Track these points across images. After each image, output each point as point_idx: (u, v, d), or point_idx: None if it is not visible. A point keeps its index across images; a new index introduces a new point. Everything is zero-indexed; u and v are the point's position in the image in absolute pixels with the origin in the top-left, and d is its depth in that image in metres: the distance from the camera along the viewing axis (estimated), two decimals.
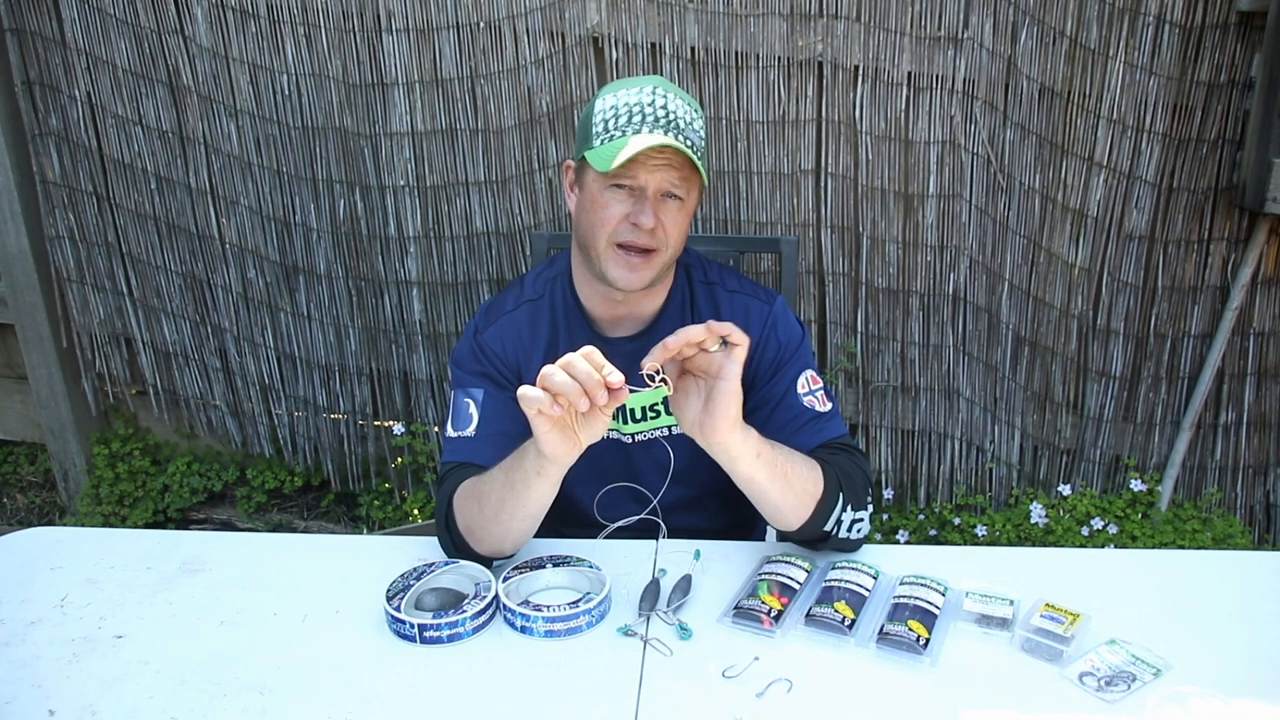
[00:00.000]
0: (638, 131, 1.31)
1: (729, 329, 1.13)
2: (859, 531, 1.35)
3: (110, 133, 2.56)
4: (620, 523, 1.39)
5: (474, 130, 2.40)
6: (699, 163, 1.32)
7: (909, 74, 2.24)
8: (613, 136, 1.33)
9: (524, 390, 1.11)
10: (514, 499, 1.24)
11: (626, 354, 1.46)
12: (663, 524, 1.38)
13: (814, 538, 1.33)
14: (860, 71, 2.25)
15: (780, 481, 1.26)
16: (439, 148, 2.42)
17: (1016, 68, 2.22)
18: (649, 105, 1.33)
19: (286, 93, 2.43)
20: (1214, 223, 2.30)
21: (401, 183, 2.46)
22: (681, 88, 2.27)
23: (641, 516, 1.40)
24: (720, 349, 1.15)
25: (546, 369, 1.10)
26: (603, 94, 1.39)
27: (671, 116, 1.33)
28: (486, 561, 1.33)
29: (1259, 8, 2.08)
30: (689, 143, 1.32)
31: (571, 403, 1.09)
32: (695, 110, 1.38)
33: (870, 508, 1.37)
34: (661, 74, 2.29)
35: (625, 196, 1.35)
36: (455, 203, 2.47)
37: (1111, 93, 2.20)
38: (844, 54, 2.23)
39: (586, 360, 1.09)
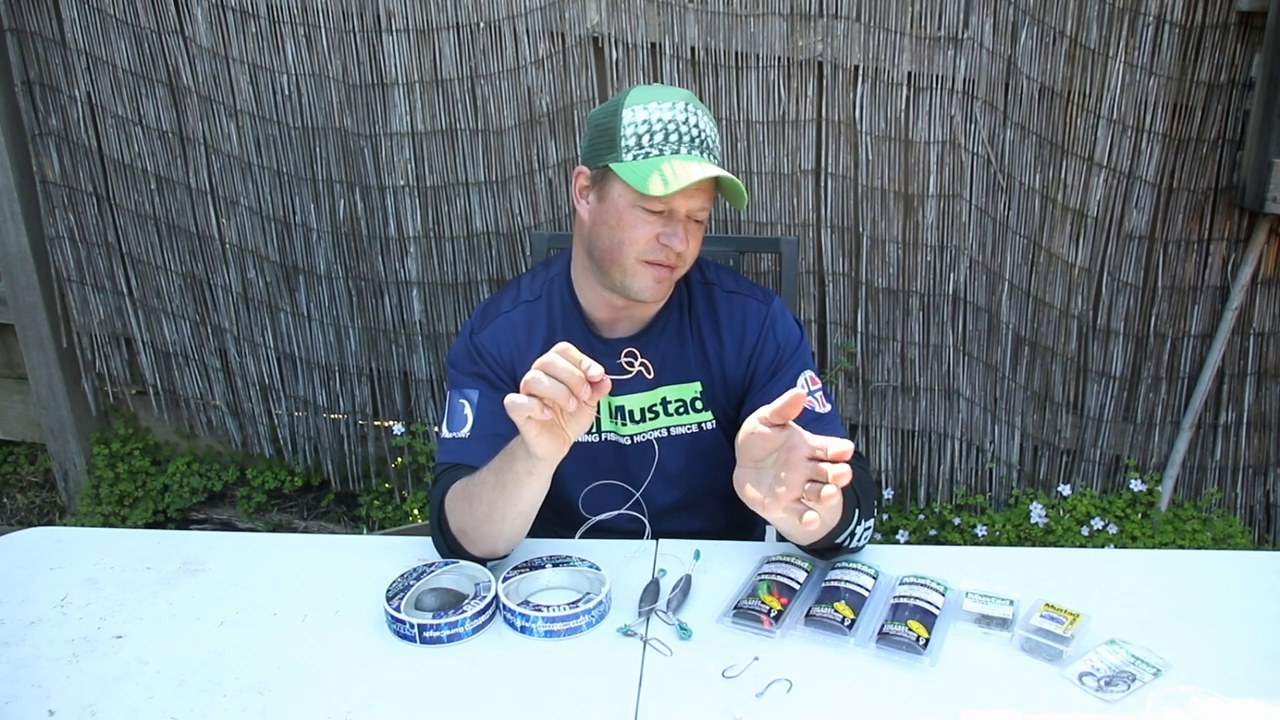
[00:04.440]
0: (675, 152, 1.31)
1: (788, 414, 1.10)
2: (865, 539, 1.35)
3: (110, 133, 2.56)
4: (602, 516, 1.38)
5: (474, 130, 2.40)
6: (741, 188, 1.32)
7: (909, 74, 2.24)
8: (648, 154, 1.32)
9: (512, 399, 1.10)
10: (505, 500, 1.24)
11: (623, 354, 1.46)
12: (647, 521, 1.38)
13: (825, 548, 1.33)
14: (860, 71, 2.25)
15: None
16: (439, 148, 2.42)
17: (1016, 68, 2.22)
18: (683, 124, 1.33)
19: (286, 93, 2.43)
20: (1214, 223, 2.30)
21: (401, 183, 2.46)
22: (680, 88, 2.29)
23: (623, 511, 1.40)
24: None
25: (530, 376, 1.09)
26: (630, 104, 1.36)
27: (703, 136, 1.34)
28: (482, 562, 1.33)
29: (1259, 8, 2.08)
30: (718, 162, 1.34)
31: (559, 405, 1.10)
32: (713, 122, 1.40)
33: (874, 513, 1.38)
34: (661, 74, 2.29)
35: (654, 217, 1.35)
36: (455, 203, 2.47)
37: (1111, 93, 2.20)
38: (844, 54, 2.23)
39: (564, 358, 1.09)
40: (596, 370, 1.09)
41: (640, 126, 1.33)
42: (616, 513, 1.39)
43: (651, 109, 1.34)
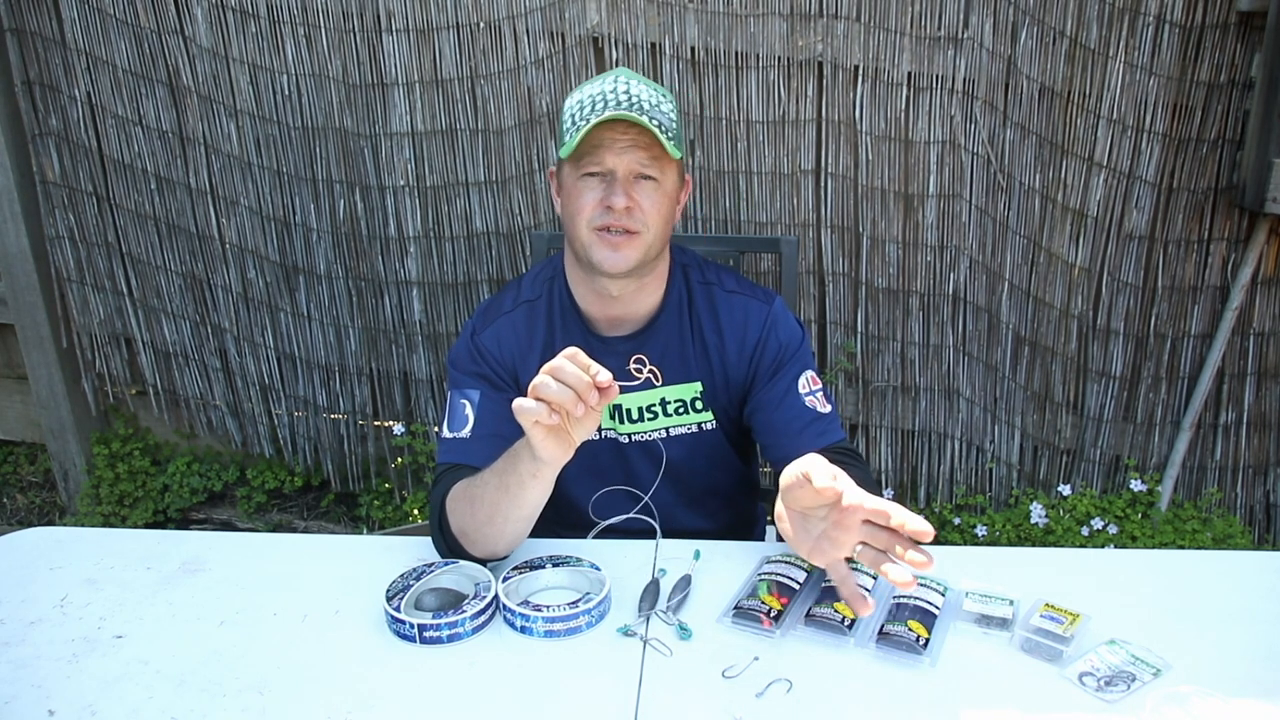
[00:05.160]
0: (600, 116, 1.32)
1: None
2: None
3: (110, 133, 2.56)
4: (611, 520, 1.38)
5: (474, 130, 2.40)
6: (662, 137, 1.31)
7: (909, 74, 2.24)
8: (579, 128, 1.33)
9: (519, 403, 1.10)
10: (508, 502, 1.24)
11: (622, 354, 1.46)
12: (656, 523, 1.37)
13: None
14: (860, 71, 2.25)
15: None
16: (439, 148, 2.42)
17: (1016, 68, 2.22)
18: (610, 92, 1.34)
19: (286, 93, 2.43)
20: (1214, 223, 2.30)
21: (401, 183, 2.46)
22: (681, 87, 2.29)
23: (632, 515, 1.40)
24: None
25: (538, 380, 1.09)
26: (571, 94, 1.40)
27: (634, 100, 1.33)
28: (482, 562, 1.33)
29: (1259, 8, 2.08)
30: (655, 123, 1.32)
31: (567, 410, 1.09)
32: (663, 95, 1.39)
33: None
34: (661, 74, 2.29)
35: (598, 183, 1.36)
36: (455, 203, 2.47)
37: (1111, 93, 2.20)
38: (844, 54, 2.24)
39: (573, 362, 1.09)
40: (605, 376, 1.08)
41: (574, 107, 1.37)
42: (626, 516, 1.39)
43: (585, 89, 1.38)
